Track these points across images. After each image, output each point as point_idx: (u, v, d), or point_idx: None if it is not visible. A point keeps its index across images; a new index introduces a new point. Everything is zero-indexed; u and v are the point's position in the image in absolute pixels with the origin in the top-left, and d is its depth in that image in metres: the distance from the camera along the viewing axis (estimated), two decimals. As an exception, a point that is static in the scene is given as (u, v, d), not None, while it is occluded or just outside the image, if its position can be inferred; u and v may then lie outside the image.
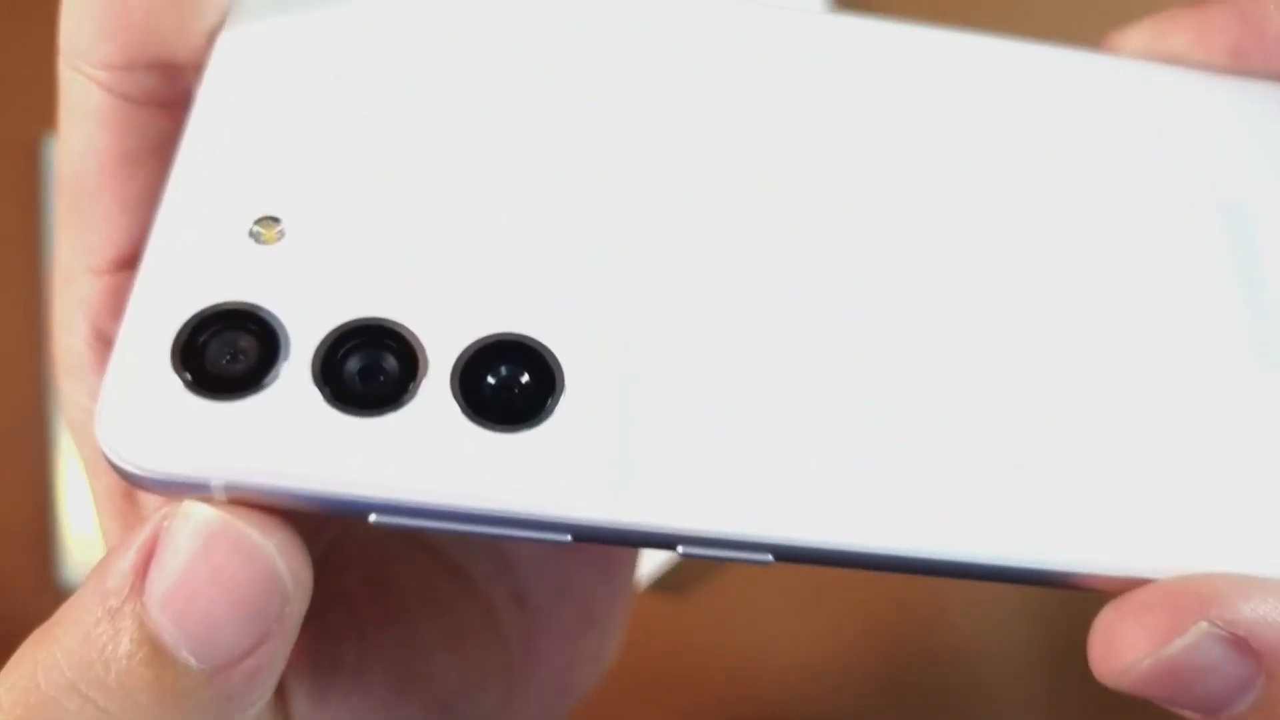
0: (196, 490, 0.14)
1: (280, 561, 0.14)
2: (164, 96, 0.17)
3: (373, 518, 0.14)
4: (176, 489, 0.14)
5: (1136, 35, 0.20)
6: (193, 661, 0.14)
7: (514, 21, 0.18)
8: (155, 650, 0.14)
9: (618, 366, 0.15)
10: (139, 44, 0.16)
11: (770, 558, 0.15)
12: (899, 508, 0.15)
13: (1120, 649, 0.16)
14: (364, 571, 0.20)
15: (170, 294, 0.15)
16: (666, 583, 0.41)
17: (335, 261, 0.15)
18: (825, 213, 0.17)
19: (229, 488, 0.14)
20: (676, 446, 0.15)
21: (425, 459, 0.14)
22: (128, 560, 0.14)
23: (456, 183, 0.16)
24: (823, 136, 0.18)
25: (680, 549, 0.15)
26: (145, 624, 0.14)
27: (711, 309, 0.16)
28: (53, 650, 0.14)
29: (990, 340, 0.17)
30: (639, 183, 0.17)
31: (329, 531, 0.20)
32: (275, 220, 0.16)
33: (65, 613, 0.15)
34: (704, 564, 0.46)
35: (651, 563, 0.40)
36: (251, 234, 0.15)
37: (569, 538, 0.15)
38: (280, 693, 0.18)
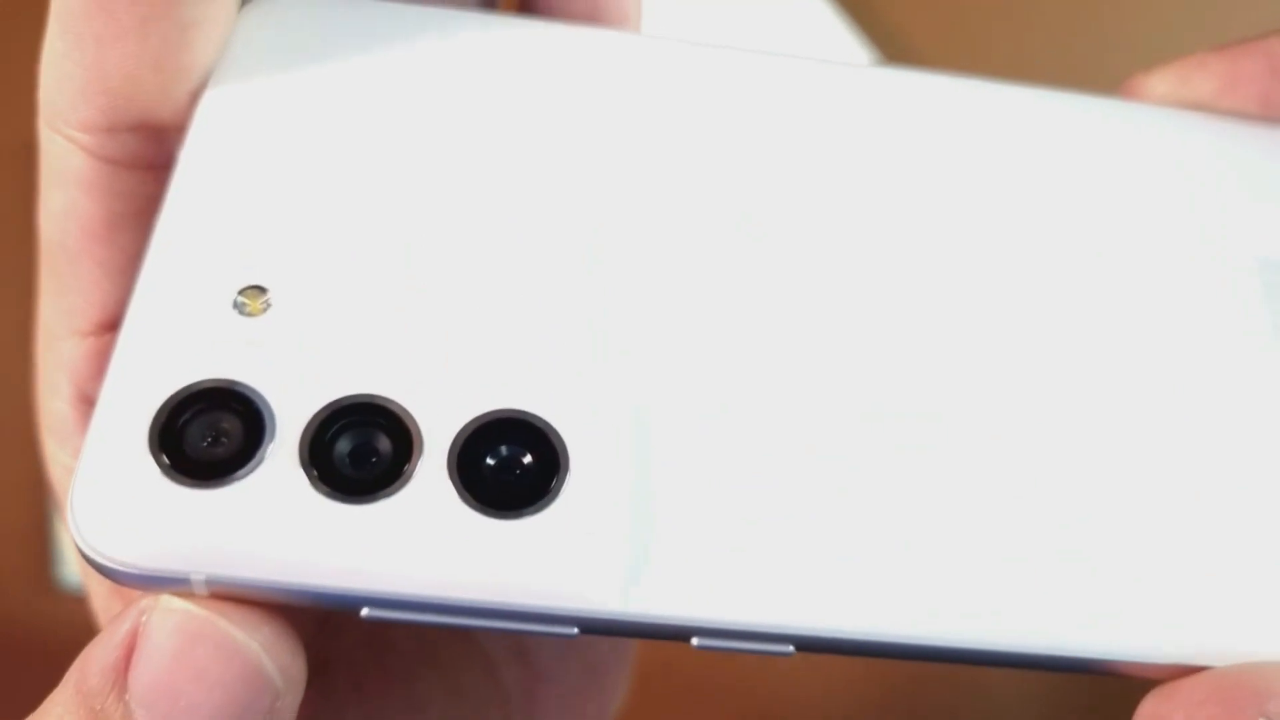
0: (176, 585, 0.13)
1: (267, 660, 0.14)
2: (147, 159, 0.16)
3: (365, 612, 0.14)
4: (154, 584, 0.13)
5: (1161, 80, 0.19)
6: None
7: (507, 86, 0.17)
8: None
9: (626, 445, 0.15)
10: (120, 106, 0.16)
11: (791, 649, 0.14)
12: (928, 595, 0.15)
13: None
14: (364, 632, 0.20)
15: (148, 372, 0.14)
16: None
17: (324, 335, 0.15)
18: (850, 282, 0.16)
19: (210, 582, 0.13)
20: (689, 532, 0.14)
21: (421, 549, 0.14)
22: (109, 657, 0.13)
23: (451, 253, 0.15)
24: (848, 194, 0.17)
25: (695, 641, 0.14)
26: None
27: (728, 385, 0.15)
28: None
29: (1021, 419, 0.16)
30: (641, 252, 0.16)
31: None
32: (261, 290, 0.15)
33: (49, 709, 0.14)
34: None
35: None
36: (236, 305, 0.15)
37: (575, 630, 0.14)
38: None
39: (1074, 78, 0.19)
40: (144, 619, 0.13)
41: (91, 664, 0.14)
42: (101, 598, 0.18)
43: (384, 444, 0.14)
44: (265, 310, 0.15)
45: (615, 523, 0.14)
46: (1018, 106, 0.18)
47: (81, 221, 0.17)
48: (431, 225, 0.16)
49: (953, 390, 0.16)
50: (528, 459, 0.14)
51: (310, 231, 0.15)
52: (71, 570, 0.41)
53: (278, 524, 0.13)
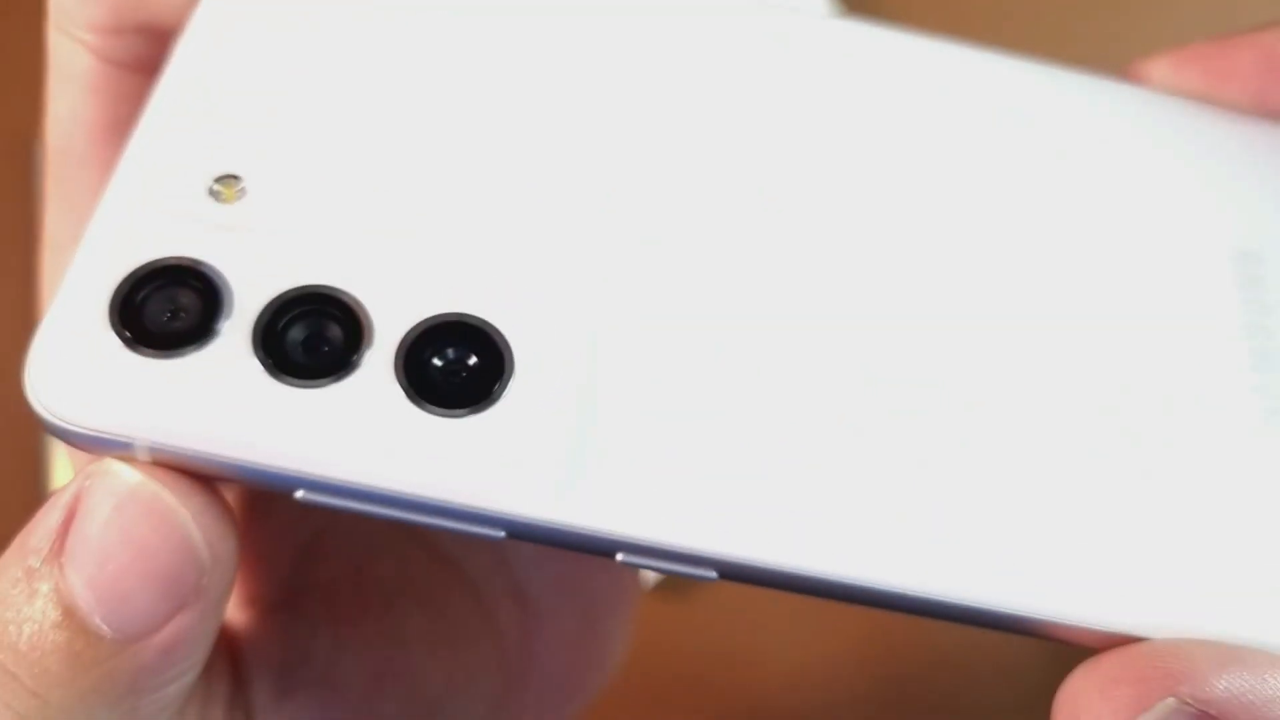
0: (120, 449, 0.14)
1: (195, 529, 0.14)
2: (153, 62, 0.17)
3: (299, 494, 0.14)
4: (101, 446, 0.14)
5: (1157, 69, 0.19)
6: (105, 629, 0.13)
7: (507, 10, 0.17)
8: (69, 614, 0.13)
9: (576, 356, 0.15)
10: (128, 7, 0.16)
11: (714, 574, 0.14)
12: (865, 534, 0.15)
13: None
14: (349, 563, 0.20)
15: (118, 245, 0.14)
16: (670, 584, 0.41)
17: (293, 227, 0.15)
18: (820, 213, 0.17)
19: (153, 449, 0.14)
20: (627, 450, 0.14)
21: (358, 436, 0.14)
22: (51, 519, 0.14)
23: (429, 162, 0.16)
24: (845, 155, 0.17)
25: (620, 556, 0.14)
26: (60, 587, 0.13)
27: (690, 303, 0.16)
28: None
29: (985, 370, 0.16)
30: (615, 167, 0.16)
31: (314, 521, 0.19)
32: (236, 179, 0.15)
33: None
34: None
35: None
36: (211, 191, 0.15)
37: (502, 534, 0.14)
38: (241, 682, 0.18)
39: (1063, 51, 0.19)
40: (87, 483, 0.14)
41: (35, 525, 0.14)
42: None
43: (335, 334, 0.14)
44: (239, 199, 0.15)
45: (554, 430, 0.14)
46: (1014, 81, 0.19)
47: (86, 125, 0.17)
48: (412, 136, 0.16)
49: (923, 337, 0.16)
50: (474, 362, 0.14)
51: (294, 132, 0.16)
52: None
53: (222, 399, 0.14)
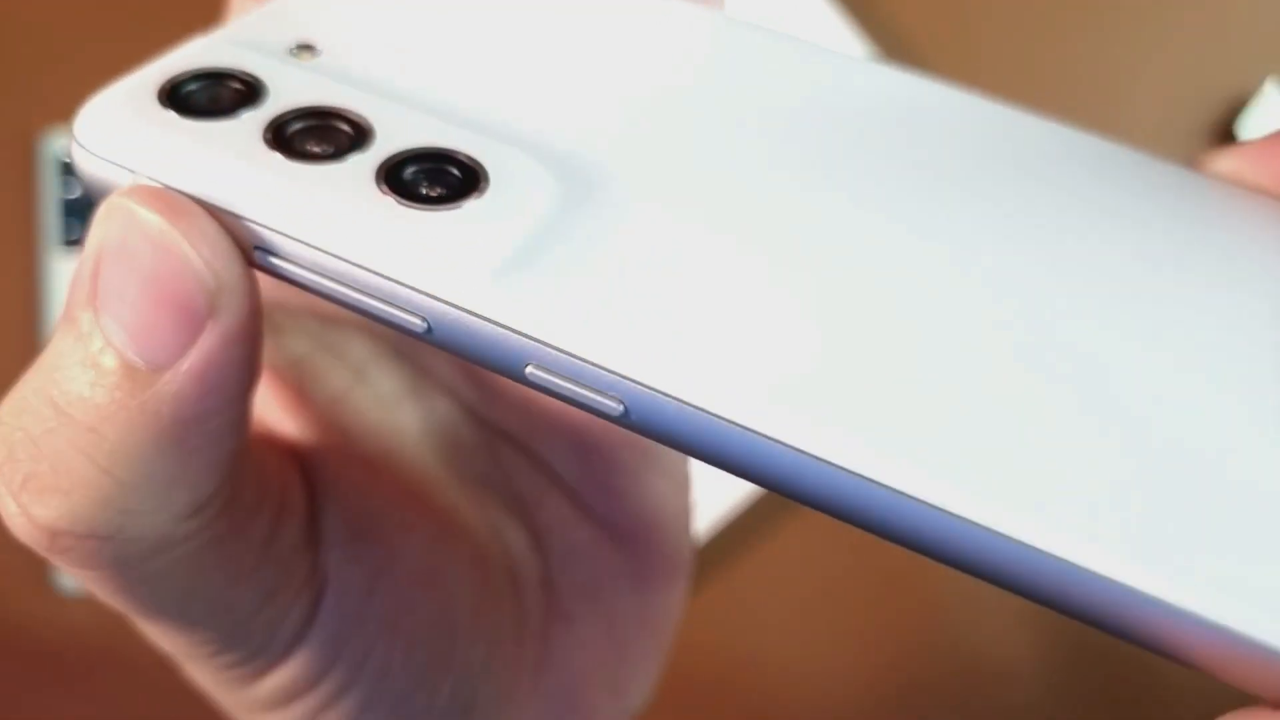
0: (122, 179, 0.15)
1: (190, 250, 0.14)
2: None
3: (256, 254, 0.15)
4: (110, 177, 0.15)
5: (1221, 164, 0.18)
6: (139, 362, 0.14)
7: None
8: (104, 349, 0.14)
9: (545, 190, 0.16)
10: None
11: (620, 409, 0.14)
12: (846, 408, 0.13)
13: None
14: (400, 486, 0.20)
15: (191, 50, 0.17)
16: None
17: (344, 78, 0.17)
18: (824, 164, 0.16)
19: (149, 181, 0.15)
20: (567, 265, 0.15)
21: (322, 202, 0.15)
22: (84, 271, 0.15)
23: (475, 62, 0.18)
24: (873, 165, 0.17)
25: (529, 370, 0.14)
26: (101, 332, 0.14)
27: (665, 163, 0.16)
28: (38, 363, 0.15)
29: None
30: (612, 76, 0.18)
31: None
32: (315, 49, 0.17)
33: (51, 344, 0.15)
34: (710, 564, 0.46)
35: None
36: (290, 51, 0.17)
37: (424, 324, 0.15)
38: (315, 509, 0.18)
39: (1068, 76, 0.19)
40: (101, 225, 0.15)
41: (74, 281, 0.15)
42: None
43: (338, 139, 0.16)
44: (311, 59, 0.17)
45: (499, 236, 0.15)
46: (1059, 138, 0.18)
47: None
48: (471, 49, 0.18)
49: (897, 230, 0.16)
50: (451, 181, 0.16)
51: (367, 32, 0.18)
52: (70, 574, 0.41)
53: (219, 152, 0.15)
